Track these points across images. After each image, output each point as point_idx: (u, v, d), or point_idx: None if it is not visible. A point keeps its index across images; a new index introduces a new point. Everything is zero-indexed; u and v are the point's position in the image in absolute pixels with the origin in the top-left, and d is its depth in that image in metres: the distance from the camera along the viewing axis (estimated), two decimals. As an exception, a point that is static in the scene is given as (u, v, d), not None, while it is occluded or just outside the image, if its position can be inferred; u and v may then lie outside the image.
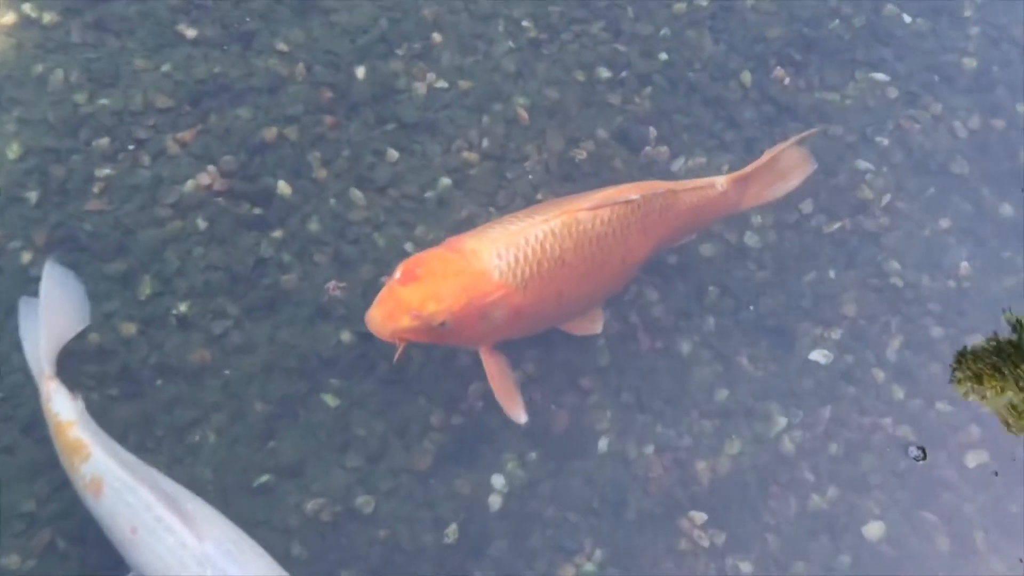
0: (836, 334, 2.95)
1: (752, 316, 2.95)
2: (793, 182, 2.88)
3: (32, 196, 2.79)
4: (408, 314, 2.40)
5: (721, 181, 2.80)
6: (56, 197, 2.81)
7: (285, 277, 2.82)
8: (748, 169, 2.82)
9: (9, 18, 2.99)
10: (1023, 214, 3.15)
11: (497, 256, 2.48)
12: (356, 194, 2.94)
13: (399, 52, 3.17)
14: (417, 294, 2.40)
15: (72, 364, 2.63)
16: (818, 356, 2.92)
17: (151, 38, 3.08)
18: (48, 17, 3.01)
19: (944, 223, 3.13)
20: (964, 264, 3.07)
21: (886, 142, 3.22)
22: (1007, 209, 3.15)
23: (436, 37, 3.20)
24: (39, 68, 2.94)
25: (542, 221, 2.54)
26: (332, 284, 2.82)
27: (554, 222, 2.55)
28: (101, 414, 2.54)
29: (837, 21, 3.37)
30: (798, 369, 2.89)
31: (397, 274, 2.45)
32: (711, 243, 3.02)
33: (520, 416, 2.57)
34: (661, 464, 2.74)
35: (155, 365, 2.69)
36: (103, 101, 2.94)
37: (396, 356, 2.49)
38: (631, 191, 2.68)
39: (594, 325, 2.74)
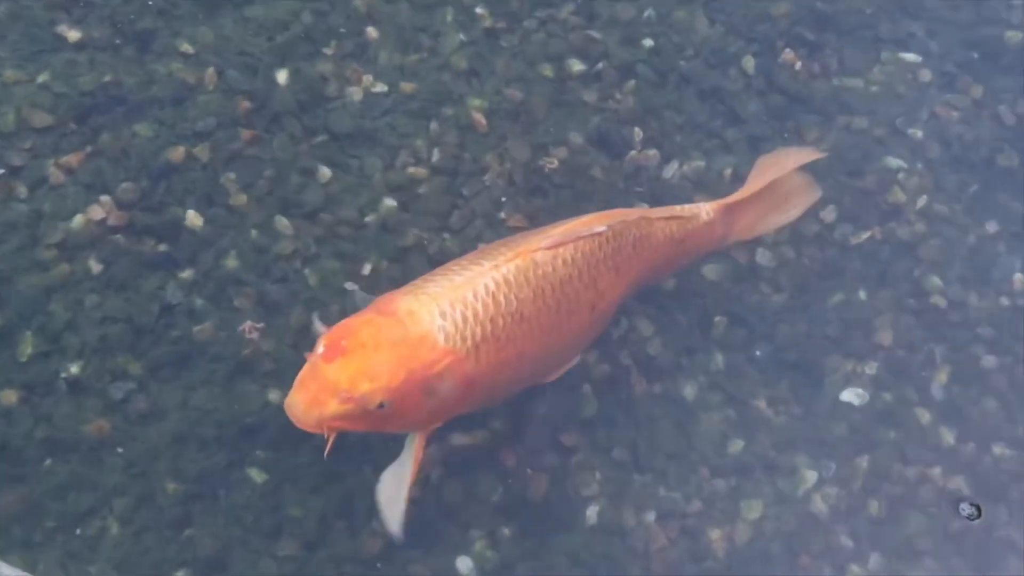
0: (871, 368, 2.97)
1: (768, 352, 2.96)
2: (792, 213, 2.93)
3: None
4: (336, 397, 2.34)
5: (707, 209, 2.82)
6: None
7: (198, 327, 2.80)
8: (739, 195, 2.84)
9: None
10: (1087, 214, 3.21)
11: (440, 315, 2.43)
12: (282, 222, 2.94)
13: (327, 51, 3.18)
14: (346, 371, 2.35)
15: (-61, 443, 2.59)
16: (850, 396, 2.94)
17: (24, 42, 3.07)
18: None
19: (991, 228, 3.15)
20: (1018, 276, 3.10)
21: (920, 134, 3.27)
22: (1067, 208, 3.22)
23: (371, 32, 3.21)
24: None
25: (492, 268, 2.51)
26: (248, 325, 2.81)
27: (507, 267, 2.52)
28: (-25, 503, 2.51)
29: None
30: (827, 412, 2.90)
31: (319, 348, 2.39)
32: (716, 263, 3.03)
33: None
34: (665, 535, 2.72)
35: (42, 441, 2.66)
36: None
37: (326, 450, 2.43)
38: (597, 221, 2.67)
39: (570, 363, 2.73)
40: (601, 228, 2.64)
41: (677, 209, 2.81)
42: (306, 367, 2.40)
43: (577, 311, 2.64)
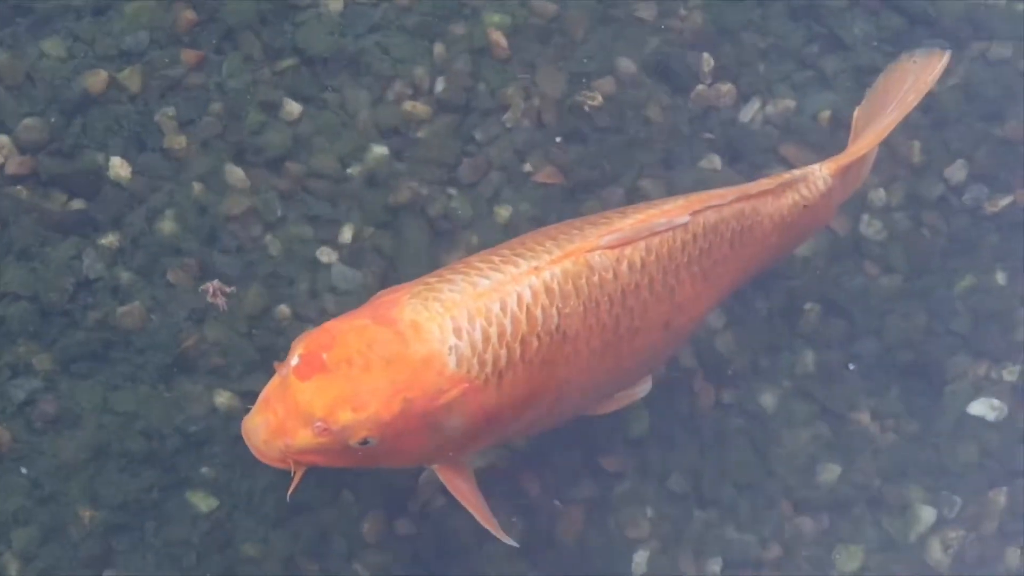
0: (1010, 374, 3.13)
1: (874, 351, 3.08)
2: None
3: None
4: (309, 426, 2.41)
5: (823, 173, 2.90)
6: None
7: (123, 308, 2.93)
8: (858, 149, 2.93)
9: None
10: None
11: (454, 332, 2.47)
12: (235, 173, 3.08)
13: None
14: (324, 394, 2.41)
15: None
16: (982, 409, 3.07)
17: None
18: None
19: None
20: None
21: None
22: None
23: None
24: None
25: (531, 271, 2.55)
26: (213, 285, 2.93)
27: (550, 271, 2.56)
28: None
29: None
30: (951, 430, 3.04)
31: (294, 359, 2.45)
32: (807, 235, 3.15)
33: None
34: (735, 589, 2.82)
35: None
36: None
37: (290, 489, 2.52)
38: (679, 210, 2.71)
39: (633, 390, 2.77)
40: (684, 219, 2.67)
41: (784, 178, 2.85)
42: (273, 382, 2.47)
43: (644, 329, 2.69)
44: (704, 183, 3.18)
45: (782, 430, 2.97)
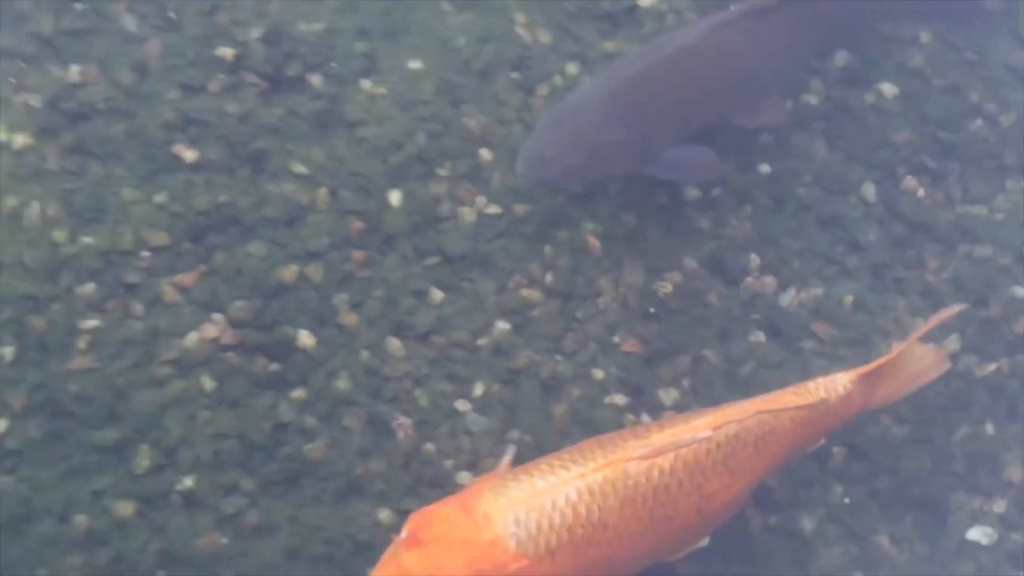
0: (999, 506, 3.52)
1: (891, 485, 3.51)
2: (922, 380, 3.48)
3: (7, 352, 3.42)
4: None
5: (844, 381, 3.34)
6: (35, 353, 3.43)
7: (309, 446, 3.43)
8: (879, 362, 3.36)
9: (-27, 142, 3.74)
10: None
11: (515, 522, 3.01)
12: (393, 343, 3.58)
13: (441, 172, 3.82)
14: (419, 563, 2.97)
15: (54, 554, 3.24)
16: (978, 534, 3.45)
17: (142, 163, 3.72)
18: (20, 140, 3.68)
19: None
20: None
21: None
22: None
23: (485, 154, 3.86)
24: (12, 201, 3.59)
25: (577, 476, 3.06)
26: (401, 420, 3.46)
27: (593, 477, 3.07)
28: (91, 617, 3.17)
29: (979, 121, 4.11)
30: (954, 551, 3.42)
31: (403, 533, 3.02)
32: (835, 394, 3.56)
33: None
34: None
35: (157, 553, 3.26)
36: (87, 239, 3.58)
37: None
38: (706, 424, 3.16)
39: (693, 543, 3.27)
40: (706, 434, 3.15)
41: (809, 389, 3.30)
42: (390, 548, 3.03)
43: (678, 516, 3.14)
44: (751, 352, 3.71)
45: (819, 548, 3.39)
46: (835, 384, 3.34)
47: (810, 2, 3.81)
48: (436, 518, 3.04)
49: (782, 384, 3.52)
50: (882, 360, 3.39)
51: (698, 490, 3.14)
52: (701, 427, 3.16)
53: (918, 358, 3.47)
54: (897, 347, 3.42)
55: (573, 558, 3.05)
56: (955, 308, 3.55)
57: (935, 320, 3.48)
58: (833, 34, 4.02)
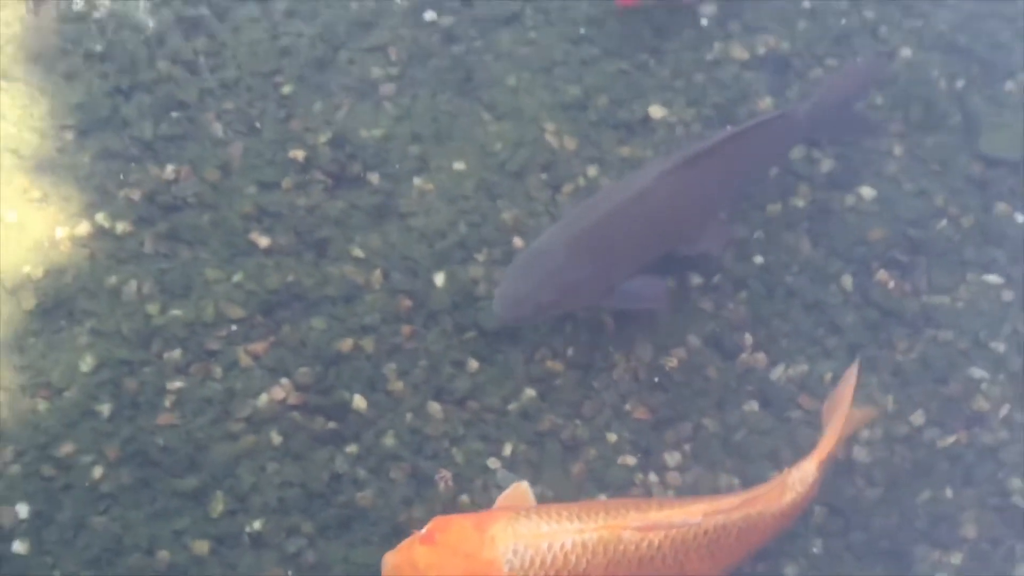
0: (956, 559, 3.79)
1: (864, 539, 3.80)
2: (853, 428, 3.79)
3: (104, 409, 3.85)
4: (416, 574, 3.24)
5: (810, 469, 3.57)
6: (128, 410, 3.84)
7: (360, 494, 3.75)
8: (830, 443, 3.62)
9: (83, 228, 4.15)
10: None
11: (513, 551, 3.25)
12: (434, 407, 3.91)
13: (479, 257, 4.15)
14: (426, 558, 3.24)
15: (143, 585, 3.62)
16: None
17: (223, 247, 4.12)
18: (121, 227, 4.14)
19: (1073, 438, 3.91)
20: (1098, 483, 3.85)
21: (1002, 348, 4.12)
22: None
23: (517, 241, 4.18)
24: (112, 280, 4.03)
25: (577, 530, 3.29)
26: (442, 473, 3.75)
27: (590, 535, 3.29)
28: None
29: (944, 221, 4.36)
30: None
31: (424, 529, 3.27)
32: (816, 460, 3.77)
33: None
34: None
35: None
36: (175, 312, 3.99)
37: None
38: (699, 510, 3.37)
39: None
40: (696, 520, 3.36)
41: (786, 484, 3.52)
42: (409, 539, 3.29)
43: None
44: (745, 421, 3.97)
45: (800, 594, 3.73)
46: (804, 475, 3.58)
47: (740, 142, 4.05)
48: (453, 526, 3.31)
49: (772, 448, 3.93)
50: (833, 441, 3.67)
51: (679, 567, 3.39)
52: (694, 513, 3.40)
53: (856, 422, 3.81)
54: (837, 423, 3.69)
55: None
56: (854, 366, 3.79)
57: (851, 383, 3.73)
58: (756, 165, 4.28)
